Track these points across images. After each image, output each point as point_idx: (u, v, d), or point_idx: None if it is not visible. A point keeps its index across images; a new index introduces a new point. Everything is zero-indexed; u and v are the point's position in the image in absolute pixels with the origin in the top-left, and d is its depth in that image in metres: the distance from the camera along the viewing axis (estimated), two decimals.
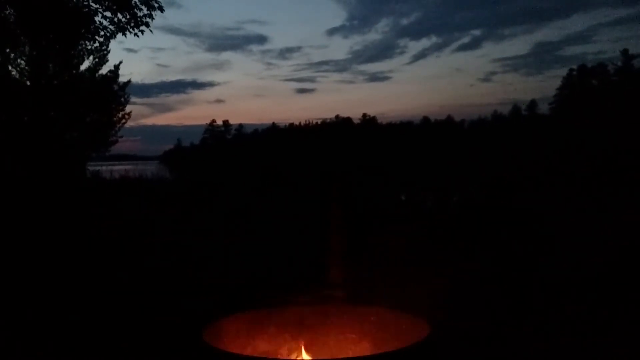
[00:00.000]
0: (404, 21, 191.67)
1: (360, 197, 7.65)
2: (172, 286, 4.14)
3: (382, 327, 2.18)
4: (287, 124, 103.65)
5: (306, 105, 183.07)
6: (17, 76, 13.01)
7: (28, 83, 13.16)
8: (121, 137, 15.86)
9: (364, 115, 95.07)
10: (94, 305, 3.70)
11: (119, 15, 11.65)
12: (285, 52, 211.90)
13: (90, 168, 15.76)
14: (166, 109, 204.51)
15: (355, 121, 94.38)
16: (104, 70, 14.69)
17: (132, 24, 11.66)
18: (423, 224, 6.47)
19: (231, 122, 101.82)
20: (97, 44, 13.67)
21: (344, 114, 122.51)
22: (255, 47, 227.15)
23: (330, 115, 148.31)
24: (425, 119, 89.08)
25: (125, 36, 11.90)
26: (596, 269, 4.26)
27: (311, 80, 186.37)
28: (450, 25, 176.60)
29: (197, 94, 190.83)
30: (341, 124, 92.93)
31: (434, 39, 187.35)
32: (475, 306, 3.56)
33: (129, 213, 7.83)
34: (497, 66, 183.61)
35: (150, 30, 11.85)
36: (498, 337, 3.06)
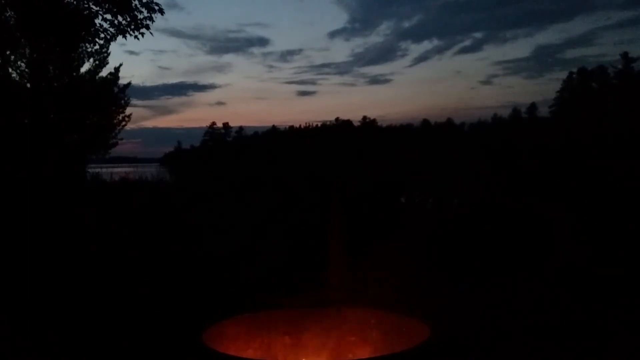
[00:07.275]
0: (406, 24, 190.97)
1: (360, 200, 7.65)
2: (171, 288, 4.13)
3: (382, 330, 2.17)
4: (287, 127, 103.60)
5: (307, 108, 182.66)
6: (18, 78, 13.07)
7: (28, 85, 13.19)
8: (121, 139, 15.95)
9: (364, 117, 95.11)
10: (93, 306, 3.70)
11: (119, 18, 11.66)
12: (286, 55, 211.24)
13: (91, 170, 15.78)
14: (167, 111, 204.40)
15: (356, 124, 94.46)
16: (104, 72, 14.77)
17: (133, 27, 11.65)
18: (423, 226, 6.46)
19: (232, 124, 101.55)
20: (97, 47, 13.75)
21: (345, 116, 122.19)
22: (256, 50, 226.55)
23: (330, 117, 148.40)
24: (425, 122, 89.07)
25: (126, 38, 11.89)
26: (596, 272, 4.26)
27: (312, 82, 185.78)
28: (452, 28, 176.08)
29: (198, 96, 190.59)
30: (341, 126, 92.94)
31: (435, 42, 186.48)
32: (475, 308, 3.55)
33: (127, 214, 7.82)
34: (498, 69, 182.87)
35: (151, 33, 11.85)
36: (498, 340, 3.05)
